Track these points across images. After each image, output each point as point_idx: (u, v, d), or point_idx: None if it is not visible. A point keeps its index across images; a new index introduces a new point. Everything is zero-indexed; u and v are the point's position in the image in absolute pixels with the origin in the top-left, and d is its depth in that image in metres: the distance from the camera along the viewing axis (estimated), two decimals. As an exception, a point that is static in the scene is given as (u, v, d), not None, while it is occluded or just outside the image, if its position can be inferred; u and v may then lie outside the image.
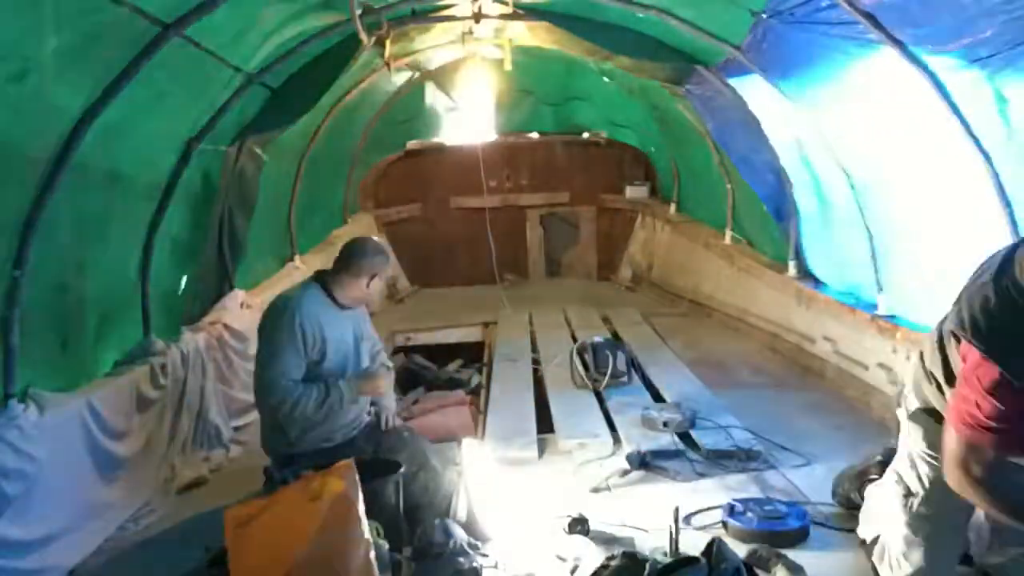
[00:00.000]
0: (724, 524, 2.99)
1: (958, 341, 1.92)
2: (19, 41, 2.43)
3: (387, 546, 2.40)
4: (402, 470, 2.79)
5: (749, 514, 2.96)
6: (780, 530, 2.88)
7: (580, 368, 4.68)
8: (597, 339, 4.84)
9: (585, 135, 8.44)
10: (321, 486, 2.34)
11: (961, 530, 2.32)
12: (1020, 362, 1.77)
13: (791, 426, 4.05)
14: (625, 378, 4.68)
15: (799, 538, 2.88)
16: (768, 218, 5.31)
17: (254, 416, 4.50)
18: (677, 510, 2.79)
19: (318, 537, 2.22)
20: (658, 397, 4.50)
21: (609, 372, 4.59)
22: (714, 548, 2.43)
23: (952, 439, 1.92)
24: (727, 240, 6.28)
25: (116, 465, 3.27)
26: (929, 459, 2.20)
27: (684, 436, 3.81)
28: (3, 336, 2.83)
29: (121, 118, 3.14)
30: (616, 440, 3.88)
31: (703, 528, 2.99)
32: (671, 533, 2.71)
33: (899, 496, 2.30)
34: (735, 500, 3.09)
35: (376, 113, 7.20)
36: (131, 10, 2.74)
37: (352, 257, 3.06)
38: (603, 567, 2.51)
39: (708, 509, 3.14)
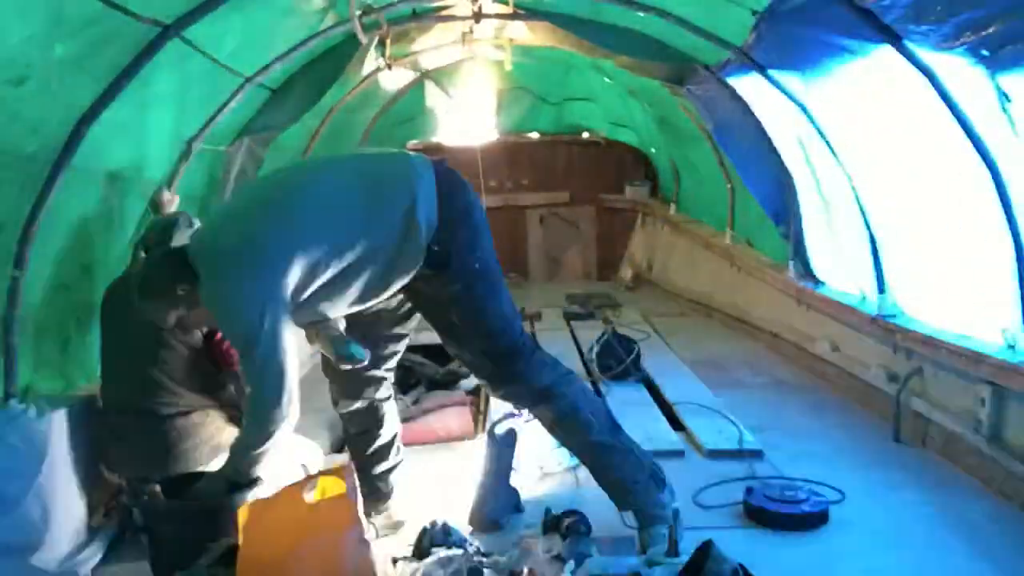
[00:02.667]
0: (744, 504, 3.01)
1: None
2: (21, 46, 2.43)
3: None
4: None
5: (766, 496, 2.97)
6: (798, 513, 2.88)
7: (594, 357, 4.82)
8: (619, 334, 5.03)
9: (585, 135, 8.43)
10: (321, 487, 2.35)
11: None
12: None
13: (791, 426, 4.05)
14: (635, 375, 4.80)
15: (817, 522, 2.90)
16: (768, 218, 5.30)
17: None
18: (677, 511, 2.79)
19: (317, 538, 2.22)
20: (658, 397, 4.51)
21: (621, 366, 4.74)
22: (709, 549, 2.41)
23: None
24: (727, 240, 6.28)
25: (117, 465, 3.25)
26: None
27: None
28: (3, 336, 2.83)
29: (122, 119, 3.14)
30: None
31: (716, 508, 3.05)
32: (671, 533, 2.71)
33: None
34: (753, 483, 3.12)
35: (376, 113, 7.19)
36: (131, 13, 2.74)
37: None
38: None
39: (718, 483, 3.23)
